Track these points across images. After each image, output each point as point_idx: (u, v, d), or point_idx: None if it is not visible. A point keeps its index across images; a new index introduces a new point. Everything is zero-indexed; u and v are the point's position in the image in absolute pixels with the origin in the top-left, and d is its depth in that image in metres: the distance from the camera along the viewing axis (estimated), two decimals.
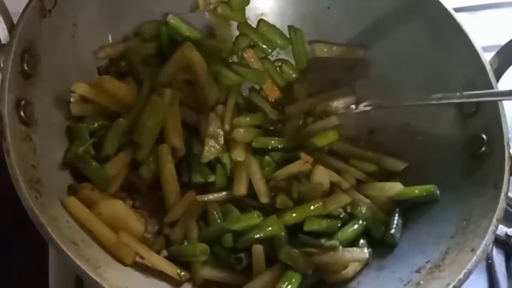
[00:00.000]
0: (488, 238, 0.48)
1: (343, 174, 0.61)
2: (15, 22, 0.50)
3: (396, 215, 0.57)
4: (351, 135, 0.66)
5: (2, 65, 0.49)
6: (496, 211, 0.49)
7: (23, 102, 0.49)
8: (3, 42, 0.51)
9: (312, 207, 0.56)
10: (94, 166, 0.55)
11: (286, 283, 0.51)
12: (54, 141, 0.55)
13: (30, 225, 0.44)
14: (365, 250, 0.54)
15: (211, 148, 0.60)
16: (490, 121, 0.55)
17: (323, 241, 0.54)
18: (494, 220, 0.49)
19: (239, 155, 0.60)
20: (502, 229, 0.64)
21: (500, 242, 0.64)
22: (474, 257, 0.48)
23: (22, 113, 0.49)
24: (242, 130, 0.61)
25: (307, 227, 0.56)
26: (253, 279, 0.53)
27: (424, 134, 0.61)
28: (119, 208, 0.54)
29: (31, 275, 0.59)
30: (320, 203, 0.56)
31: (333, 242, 0.54)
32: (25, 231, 0.49)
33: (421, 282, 0.49)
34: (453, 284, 0.46)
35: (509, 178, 0.51)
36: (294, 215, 0.56)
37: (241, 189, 0.59)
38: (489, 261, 0.63)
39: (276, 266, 0.54)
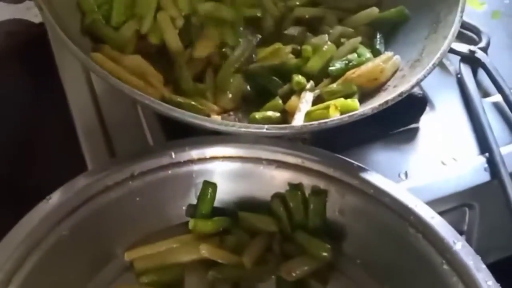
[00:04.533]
0: (456, 26, 0.58)
1: (327, 15, 0.69)
2: None
3: (378, 35, 0.66)
4: None
5: None
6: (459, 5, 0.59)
7: None
8: None
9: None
10: (110, 30, 0.63)
11: None
12: (71, 13, 0.61)
13: None
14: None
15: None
16: None
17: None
18: (458, 12, 0.58)
19: None
20: (466, 47, 0.74)
21: (466, 58, 0.73)
22: (446, 41, 0.57)
23: None
24: None
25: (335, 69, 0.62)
26: None
27: None
28: (140, 61, 0.61)
29: None
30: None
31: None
32: None
33: (405, 74, 0.59)
34: (432, 62, 0.55)
35: None
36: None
37: None
38: (459, 76, 0.73)
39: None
